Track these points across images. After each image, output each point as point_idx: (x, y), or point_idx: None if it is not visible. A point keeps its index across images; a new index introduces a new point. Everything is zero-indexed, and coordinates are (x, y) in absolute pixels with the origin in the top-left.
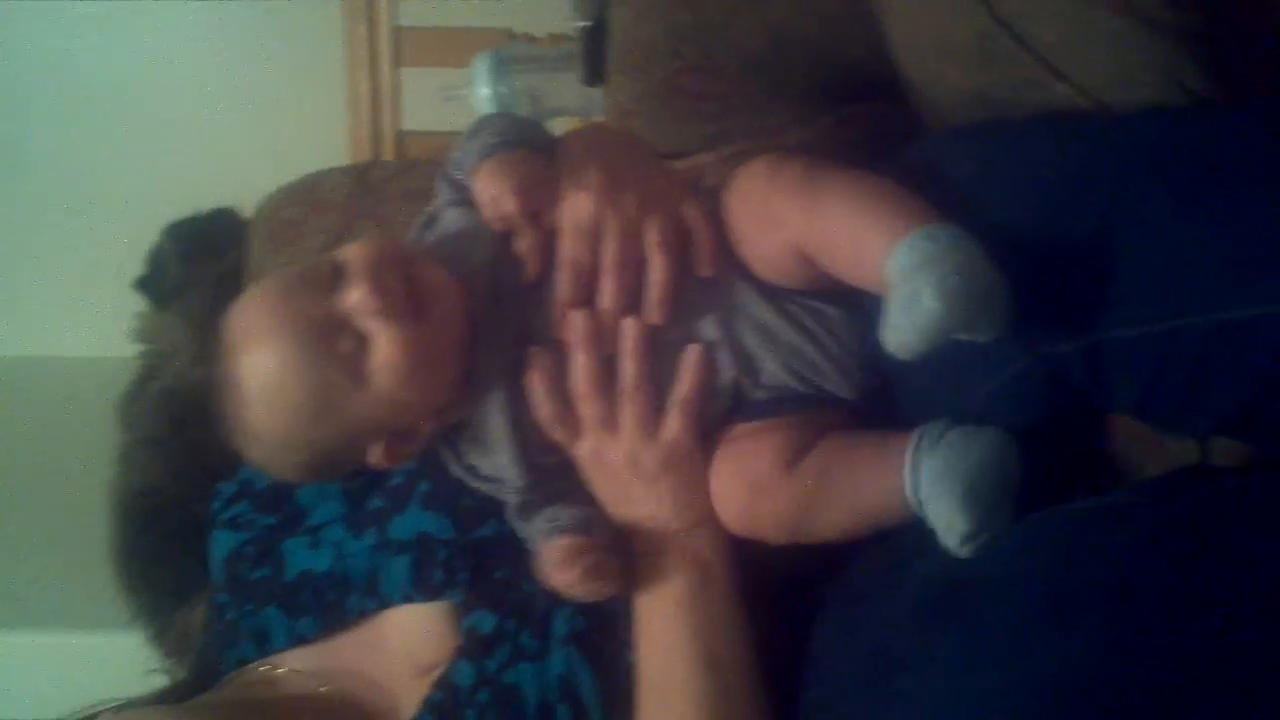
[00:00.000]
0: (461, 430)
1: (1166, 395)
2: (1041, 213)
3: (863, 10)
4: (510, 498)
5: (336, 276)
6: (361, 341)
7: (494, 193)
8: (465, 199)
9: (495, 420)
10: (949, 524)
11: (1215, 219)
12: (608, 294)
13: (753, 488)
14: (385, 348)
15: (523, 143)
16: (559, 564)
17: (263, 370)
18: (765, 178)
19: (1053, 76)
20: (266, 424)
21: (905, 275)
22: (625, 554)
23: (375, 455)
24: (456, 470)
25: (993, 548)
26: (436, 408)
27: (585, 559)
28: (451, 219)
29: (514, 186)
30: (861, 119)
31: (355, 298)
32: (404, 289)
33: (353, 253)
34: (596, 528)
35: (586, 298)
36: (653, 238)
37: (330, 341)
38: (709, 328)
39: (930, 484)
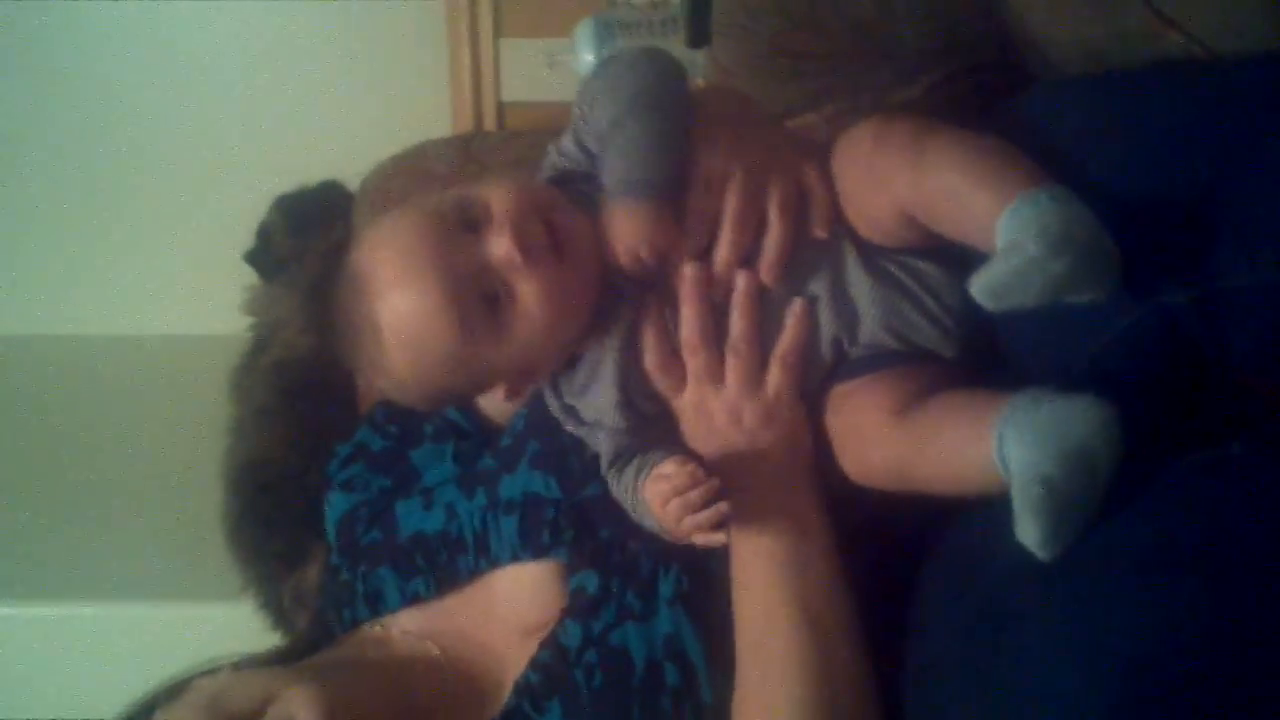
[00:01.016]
0: (568, 370)
1: None
2: (1152, 163)
3: None
4: (605, 446)
5: (479, 220)
6: (506, 293)
7: (626, 243)
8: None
9: (606, 363)
10: (1028, 490)
11: None
12: (726, 247)
13: (863, 437)
14: (530, 300)
15: (656, 176)
16: (666, 493)
17: (405, 317)
18: (872, 138)
19: (1164, 25)
20: (402, 364)
21: (1010, 231)
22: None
23: (501, 394)
24: (555, 410)
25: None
26: (565, 348)
27: (691, 488)
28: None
29: (645, 239)
30: (967, 76)
31: (502, 250)
32: (546, 238)
33: (497, 198)
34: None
35: (704, 250)
36: (775, 199)
37: (476, 294)
38: (814, 285)
39: (1017, 474)
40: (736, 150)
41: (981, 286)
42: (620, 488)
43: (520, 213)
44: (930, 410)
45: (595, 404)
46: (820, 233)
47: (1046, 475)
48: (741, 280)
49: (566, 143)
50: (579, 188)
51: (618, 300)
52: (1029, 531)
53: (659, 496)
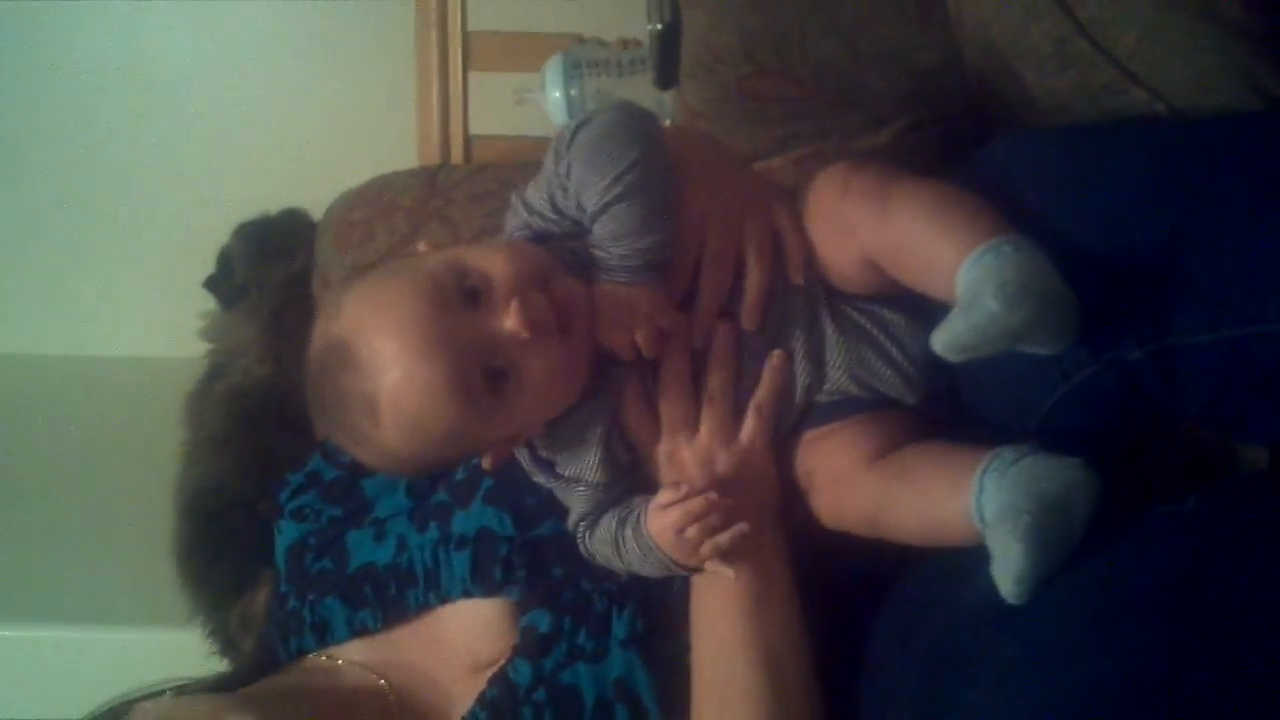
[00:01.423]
0: (549, 427)
1: (1237, 402)
2: (1114, 217)
3: (937, 14)
4: (578, 502)
5: (479, 291)
6: (512, 369)
7: (617, 328)
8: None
9: (596, 420)
10: (1005, 564)
11: None
12: (705, 293)
13: (837, 481)
14: (537, 377)
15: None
16: (679, 521)
17: (408, 395)
18: (839, 185)
19: (1130, 81)
20: (397, 441)
21: (970, 282)
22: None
23: (486, 462)
24: (530, 466)
25: None
26: (567, 405)
27: (707, 512)
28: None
29: (640, 323)
30: (933, 125)
31: (509, 327)
32: (550, 312)
33: (497, 268)
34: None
35: (683, 297)
36: (751, 243)
37: (480, 371)
38: (789, 334)
39: (995, 517)
40: (710, 194)
41: (942, 341)
42: (597, 540)
43: (523, 286)
44: (907, 459)
45: (578, 459)
46: (796, 277)
47: (1025, 519)
48: (721, 330)
49: (535, 198)
50: (563, 246)
51: (609, 360)
52: (1005, 573)
53: (670, 527)
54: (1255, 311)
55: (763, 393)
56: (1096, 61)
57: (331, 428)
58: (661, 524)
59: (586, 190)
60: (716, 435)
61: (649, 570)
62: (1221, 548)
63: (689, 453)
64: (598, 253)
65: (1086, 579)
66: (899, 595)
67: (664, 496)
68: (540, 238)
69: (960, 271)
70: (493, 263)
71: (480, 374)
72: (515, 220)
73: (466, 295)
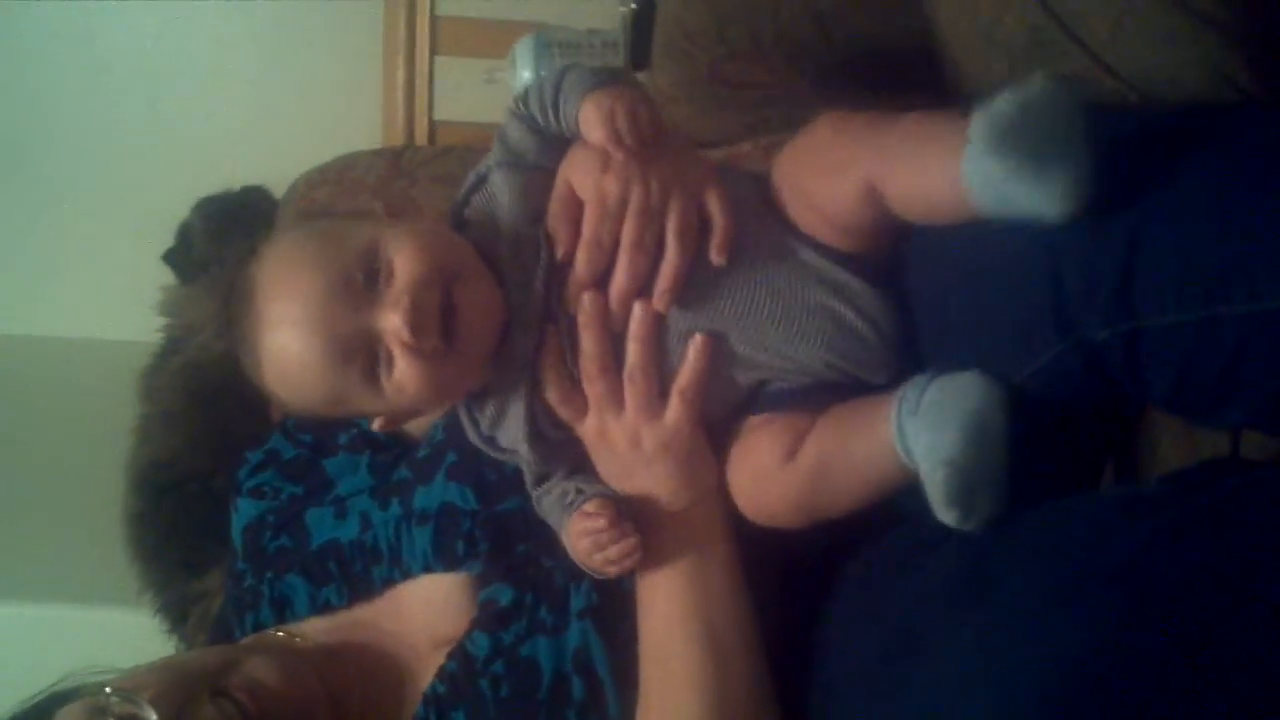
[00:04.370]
0: (483, 401)
1: (1200, 385)
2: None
3: (911, 3)
4: (526, 469)
5: (378, 277)
6: (386, 360)
7: (615, 112)
8: (516, 159)
9: (514, 398)
10: (935, 472)
11: (1258, 211)
12: (621, 274)
13: (755, 479)
14: (406, 379)
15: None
16: (583, 532)
17: (283, 357)
18: (830, 128)
19: (1102, 71)
20: (280, 392)
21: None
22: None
23: (375, 424)
24: (476, 440)
25: (1018, 529)
26: (441, 407)
27: (609, 527)
28: (498, 185)
29: (643, 118)
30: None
31: (391, 324)
32: (442, 318)
33: (402, 259)
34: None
35: (601, 279)
36: (672, 224)
37: (357, 354)
38: (725, 318)
39: (915, 434)
40: (641, 171)
41: (970, 164)
42: (543, 511)
43: (421, 286)
44: (820, 436)
45: (509, 435)
46: (716, 259)
47: (947, 455)
48: (638, 309)
49: (488, 154)
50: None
51: (527, 335)
52: (945, 512)
53: (580, 550)
54: (1222, 294)
55: (684, 376)
56: (1069, 51)
57: (240, 354)
58: (577, 528)
59: (545, 83)
60: (641, 414)
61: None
62: (1184, 528)
63: (617, 429)
64: (567, 106)
65: (1048, 556)
66: (856, 573)
67: (590, 506)
68: (482, 179)
69: (971, 126)
70: (403, 252)
71: (358, 358)
72: (463, 187)
73: (370, 277)
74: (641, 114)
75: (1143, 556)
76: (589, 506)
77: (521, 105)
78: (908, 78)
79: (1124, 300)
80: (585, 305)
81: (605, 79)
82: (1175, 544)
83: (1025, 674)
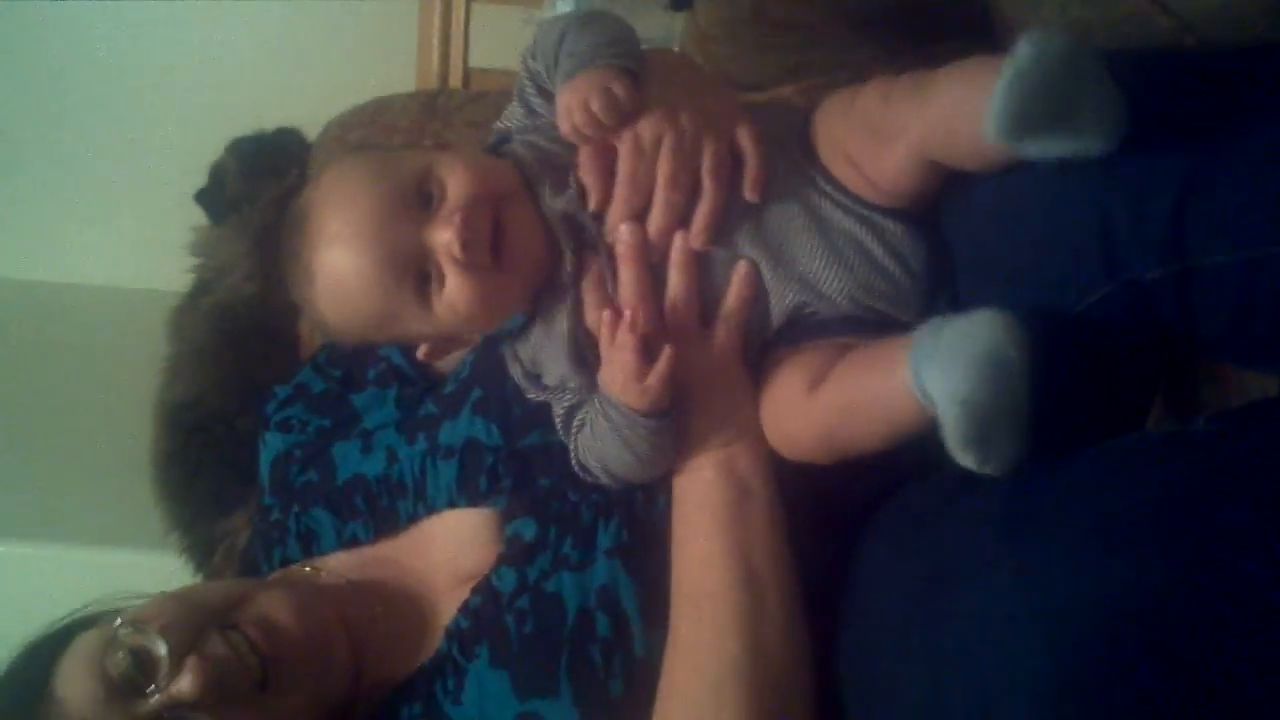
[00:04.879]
0: (526, 334)
1: (1254, 325)
2: (1135, 139)
3: None
4: (565, 411)
5: (434, 197)
6: (438, 278)
7: (572, 108)
8: (535, 121)
9: (557, 322)
10: (950, 412)
11: None
12: (658, 208)
13: (779, 409)
14: (457, 294)
15: (616, 56)
16: (609, 364)
17: (337, 274)
18: (879, 94)
19: (1158, 10)
20: (327, 310)
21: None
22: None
23: (421, 352)
24: (519, 378)
25: (1061, 467)
26: (490, 329)
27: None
28: (521, 147)
29: (598, 105)
30: (950, 57)
31: (443, 239)
32: (491, 236)
33: (455, 180)
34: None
35: (639, 214)
36: (706, 163)
37: (410, 271)
38: (758, 251)
39: (930, 376)
40: (670, 111)
41: (993, 115)
42: (584, 445)
43: (472, 204)
44: (841, 373)
45: (553, 365)
46: (750, 195)
47: (963, 395)
48: (678, 240)
49: (509, 108)
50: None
51: (569, 268)
52: (961, 454)
53: (617, 371)
54: (1272, 233)
55: (730, 301)
56: None
57: (288, 282)
58: (606, 374)
59: (545, 41)
60: (684, 344)
61: (626, 457)
62: (1230, 468)
63: None
64: (560, 75)
65: (1093, 493)
66: (893, 511)
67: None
68: (505, 139)
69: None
70: (455, 174)
71: (411, 274)
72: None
73: (423, 197)
74: (602, 102)
75: (1190, 497)
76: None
77: (530, 57)
78: (952, 20)
79: (1176, 239)
80: (624, 236)
81: (583, 61)
82: (1224, 485)
83: (1070, 611)
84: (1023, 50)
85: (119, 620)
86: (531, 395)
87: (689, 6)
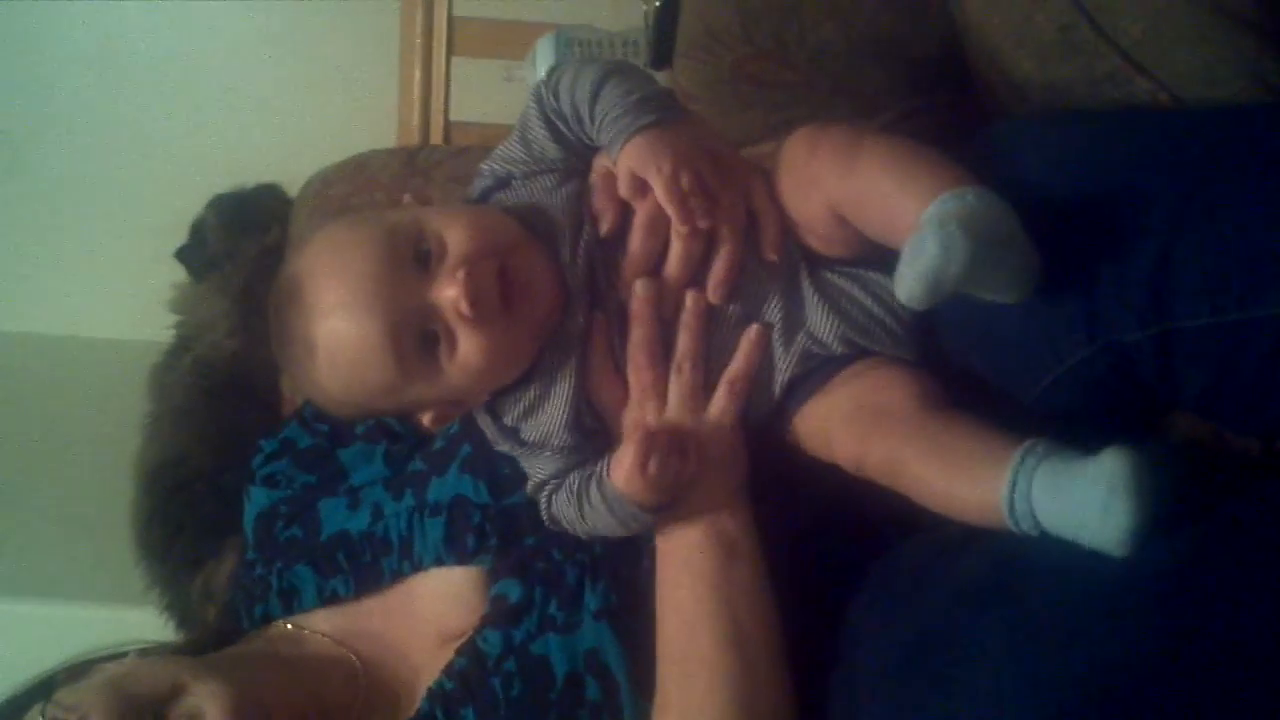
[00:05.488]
0: (513, 391)
1: (1235, 389)
2: (1113, 200)
3: (937, 1)
4: (541, 468)
5: (432, 255)
6: (447, 338)
7: (661, 164)
8: (538, 165)
9: (561, 380)
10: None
11: None
12: (674, 263)
13: (883, 414)
14: (470, 352)
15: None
16: (634, 462)
17: (342, 344)
18: (807, 142)
19: (1135, 71)
20: (331, 385)
21: (920, 226)
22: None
23: (426, 419)
24: (491, 432)
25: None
26: (498, 387)
27: (658, 450)
28: (523, 188)
29: (683, 161)
30: (927, 113)
31: (449, 296)
32: (498, 290)
33: (454, 235)
34: None
35: (654, 266)
36: (726, 217)
37: (417, 333)
38: (769, 311)
39: (1050, 510)
40: (688, 164)
41: (901, 292)
42: (560, 503)
43: (475, 258)
44: (955, 419)
45: (543, 423)
46: (770, 254)
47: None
48: (690, 299)
49: (502, 151)
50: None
51: (573, 321)
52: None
53: (634, 465)
54: (1257, 296)
55: (737, 366)
56: (1101, 50)
57: (280, 358)
58: (624, 466)
59: (579, 82)
60: (684, 405)
61: (612, 526)
62: (1217, 535)
63: (656, 422)
64: (608, 126)
65: (1082, 561)
66: (885, 572)
67: (626, 446)
68: (503, 183)
69: (918, 220)
70: (452, 229)
71: (416, 337)
72: (479, 183)
73: (420, 257)
74: (693, 182)
75: (1176, 567)
76: (624, 449)
77: (551, 97)
78: (933, 77)
79: (1158, 301)
80: (639, 291)
81: (648, 117)
82: (1209, 554)
83: (1053, 683)
84: (932, 229)
85: (48, 710)
86: (502, 447)
87: (669, 65)
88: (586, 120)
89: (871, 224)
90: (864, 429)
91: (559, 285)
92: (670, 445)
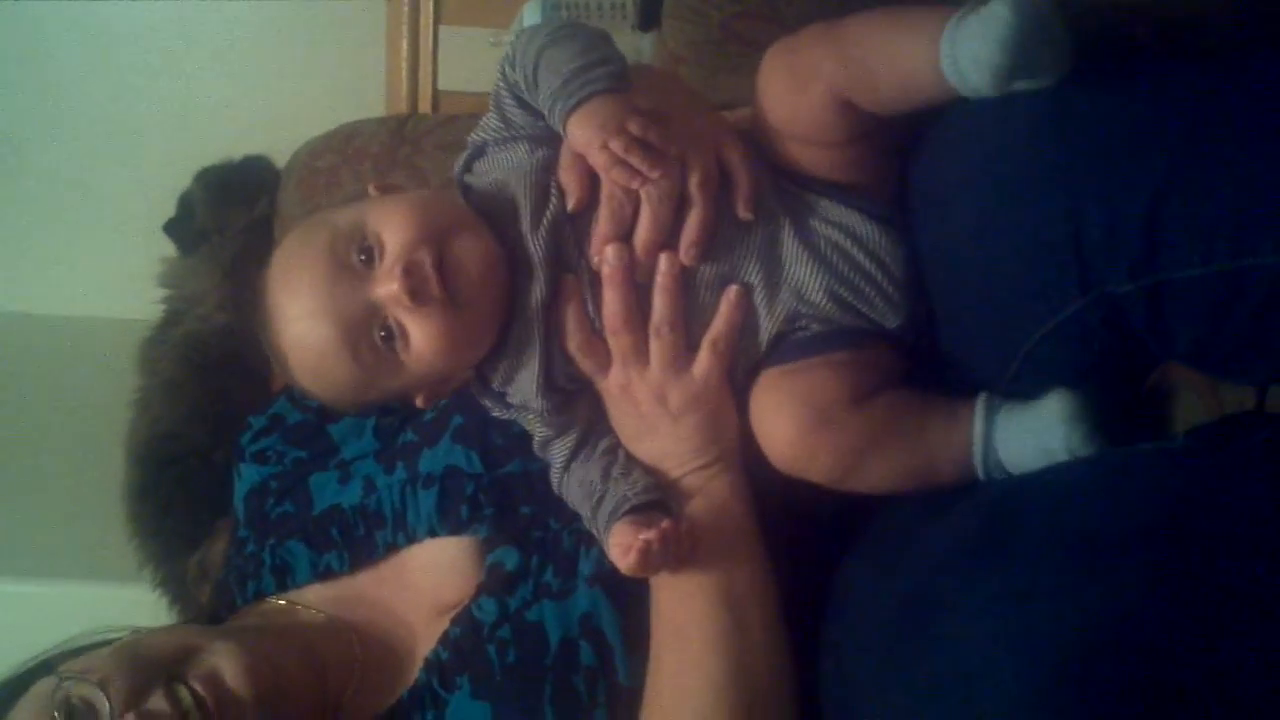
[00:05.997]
0: (496, 357)
1: (1227, 339)
2: (1107, 150)
3: None
4: (536, 428)
5: (372, 254)
6: (400, 331)
7: (591, 147)
8: (513, 131)
9: (530, 346)
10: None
11: None
12: (645, 226)
13: (820, 416)
14: (420, 341)
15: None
16: (625, 549)
17: (304, 352)
18: (785, 49)
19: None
20: (313, 388)
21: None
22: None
23: (418, 400)
24: (483, 396)
25: (1041, 487)
26: (473, 363)
27: (648, 542)
28: (497, 157)
29: (616, 128)
30: None
31: (390, 293)
32: (436, 278)
33: (390, 230)
34: (661, 505)
35: (625, 233)
36: (694, 178)
37: (368, 333)
38: (748, 270)
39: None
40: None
41: (978, 66)
42: (568, 493)
43: (411, 250)
44: (900, 400)
45: (521, 389)
46: (744, 213)
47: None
48: (664, 262)
49: (486, 117)
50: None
51: (540, 286)
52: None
53: (633, 564)
54: (1249, 245)
55: (718, 327)
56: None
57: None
58: (620, 551)
59: (525, 50)
60: (668, 369)
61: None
62: (1210, 484)
63: (641, 385)
64: (545, 96)
65: (1068, 512)
66: (876, 531)
67: (631, 532)
68: (480, 152)
69: (943, 39)
70: (389, 223)
71: (370, 336)
72: (464, 155)
73: (365, 255)
74: (624, 144)
75: (1170, 517)
76: (631, 531)
77: (510, 68)
78: None
79: (1148, 253)
80: (610, 258)
81: (569, 79)
82: (1202, 504)
83: (1046, 638)
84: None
85: (61, 674)
86: (496, 413)
87: (657, 27)
88: (538, 97)
89: (885, 85)
90: (801, 438)
91: (505, 261)
92: (665, 540)
